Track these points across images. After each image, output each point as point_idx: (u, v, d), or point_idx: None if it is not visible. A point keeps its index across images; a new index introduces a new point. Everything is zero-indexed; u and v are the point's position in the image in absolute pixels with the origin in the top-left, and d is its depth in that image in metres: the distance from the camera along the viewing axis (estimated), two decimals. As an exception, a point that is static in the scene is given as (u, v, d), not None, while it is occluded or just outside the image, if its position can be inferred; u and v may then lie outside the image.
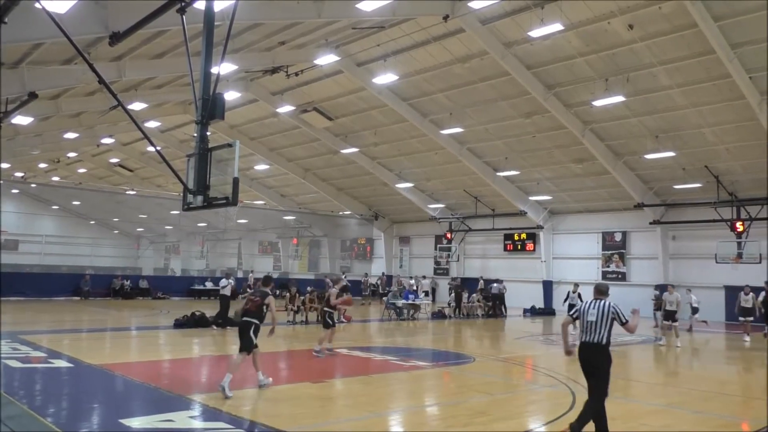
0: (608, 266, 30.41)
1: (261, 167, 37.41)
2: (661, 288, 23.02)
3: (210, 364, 12.47)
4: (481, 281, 30.76)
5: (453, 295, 27.09)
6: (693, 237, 27.72)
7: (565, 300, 21.15)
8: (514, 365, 13.49)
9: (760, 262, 23.81)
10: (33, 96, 19.11)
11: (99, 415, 7.82)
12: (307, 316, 21.19)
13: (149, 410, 8.05)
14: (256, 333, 9.26)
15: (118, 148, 38.01)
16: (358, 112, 28.15)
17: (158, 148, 10.34)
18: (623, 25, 18.64)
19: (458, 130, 26.78)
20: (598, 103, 21.69)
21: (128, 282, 31.91)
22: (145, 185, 44.28)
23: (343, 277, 23.60)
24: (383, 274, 38.99)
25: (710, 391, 10.94)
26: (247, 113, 30.71)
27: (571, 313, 7.28)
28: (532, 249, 33.31)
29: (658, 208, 28.17)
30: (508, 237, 34.22)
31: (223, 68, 12.53)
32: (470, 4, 17.59)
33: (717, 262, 25.13)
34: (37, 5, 9.65)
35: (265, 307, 9.36)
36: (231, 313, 18.48)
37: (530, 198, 31.79)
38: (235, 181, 8.17)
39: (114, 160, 41.89)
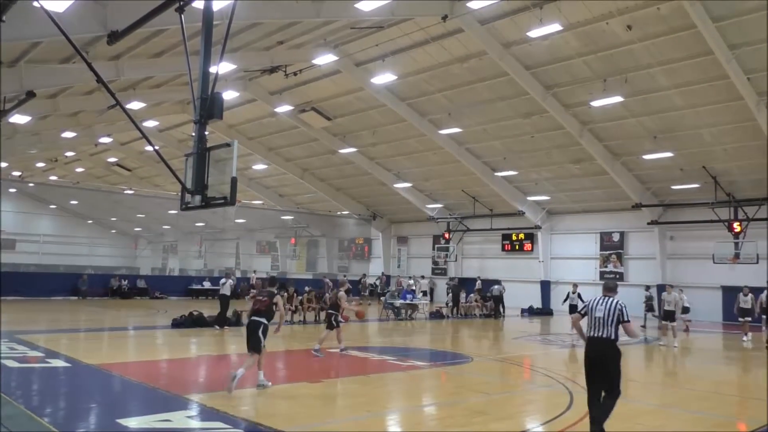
0: (606, 266, 30.45)
1: (259, 167, 37.41)
2: (659, 288, 23.11)
3: (208, 364, 12.46)
4: (479, 282, 30.79)
5: (451, 295, 27.11)
6: (690, 237, 27.78)
7: (565, 300, 21.16)
8: (511, 365, 13.50)
9: (757, 263, 23.87)
10: (31, 95, 19.06)
11: (96, 415, 7.81)
12: (305, 316, 21.19)
13: (147, 410, 8.04)
14: (264, 333, 9.36)
15: (116, 147, 37.95)
16: (357, 112, 28.14)
17: (156, 147, 10.32)
18: (622, 25, 18.66)
19: (457, 130, 26.80)
20: (596, 103, 21.73)
21: (126, 282, 31.87)
22: (143, 185, 44.24)
23: (344, 277, 23.64)
24: (383, 274, 39.01)
25: (707, 391, 10.97)
26: (246, 113, 30.69)
27: (580, 309, 7.35)
28: (530, 249, 33.34)
29: (656, 209, 28.22)
30: (506, 237, 34.25)
31: (222, 67, 12.51)
32: (469, 5, 17.60)
33: (714, 263, 25.20)
34: (35, 4, 9.64)
35: (274, 306, 9.51)
36: (229, 313, 18.52)
37: (528, 198, 31.82)
38: (233, 181, 8.16)
39: (112, 160, 41.82)
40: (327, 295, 21.45)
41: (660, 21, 18.29)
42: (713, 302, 26.46)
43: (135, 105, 24.56)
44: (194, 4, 9.78)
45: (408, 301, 24.81)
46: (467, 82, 23.65)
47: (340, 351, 13.36)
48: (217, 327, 17.84)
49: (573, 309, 20.08)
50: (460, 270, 36.33)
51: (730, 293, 24.52)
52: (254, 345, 9.24)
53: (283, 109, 28.31)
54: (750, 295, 19.29)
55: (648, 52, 19.57)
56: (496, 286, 27.23)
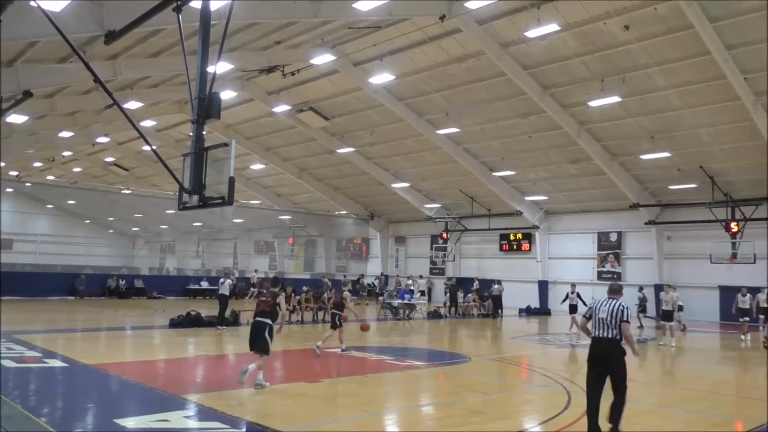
0: (604, 266, 30.49)
1: (257, 167, 37.38)
2: (657, 288, 23.11)
3: (205, 364, 12.45)
4: (476, 282, 30.80)
5: (449, 294, 27.12)
6: (688, 237, 27.83)
7: (564, 300, 21.13)
8: (509, 365, 13.51)
9: (754, 262, 23.92)
10: (28, 94, 19.01)
11: (94, 415, 7.80)
12: (302, 316, 21.18)
13: (144, 410, 8.04)
14: (271, 334, 9.47)
15: (114, 147, 37.87)
16: (354, 112, 28.13)
17: (154, 147, 10.29)
18: (619, 25, 18.68)
19: (454, 130, 26.80)
20: (593, 103, 21.75)
21: (123, 281, 31.83)
22: (140, 184, 44.16)
23: (344, 277, 23.63)
24: (382, 274, 39.02)
25: (704, 390, 10.99)
26: (243, 112, 30.65)
27: (585, 313, 7.42)
28: (527, 249, 33.37)
29: (653, 209, 28.26)
30: (504, 237, 34.27)
31: (219, 67, 12.52)
32: (467, 5, 17.59)
33: (712, 263, 25.25)
34: (32, 3, 9.61)
35: (277, 306, 9.61)
36: (227, 313, 18.50)
37: (526, 198, 31.84)
38: (231, 181, 8.15)
39: (109, 159, 41.73)
40: (325, 294, 21.47)
41: (657, 21, 18.32)
42: (710, 302, 26.51)
43: (132, 105, 24.51)
44: (192, 4, 9.77)
45: (406, 301, 24.82)
46: (465, 82, 23.66)
47: (341, 351, 13.37)
48: (220, 327, 17.80)
49: (573, 309, 20.14)
50: (458, 270, 36.35)
51: (727, 293, 24.58)
52: (262, 346, 9.33)
53: (281, 108, 28.29)
54: (748, 295, 19.38)
55: (645, 52, 19.60)
56: (496, 286, 27.27)
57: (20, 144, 32.28)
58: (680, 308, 22.64)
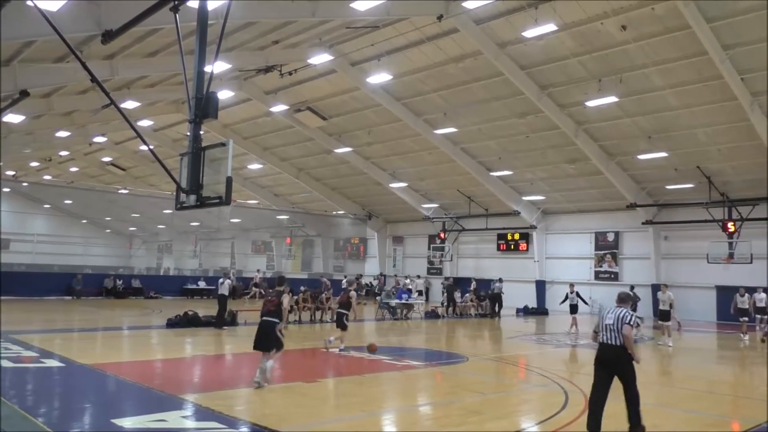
0: (601, 266, 30.54)
1: (254, 166, 37.35)
2: (654, 288, 23.15)
3: (203, 364, 12.43)
4: (474, 282, 30.78)
5: (446, 294, 27.11)
6: (685, 237, 27.89)
7: (563, 301, 21.17)
8: (507, 365, 13.51)
9: (751, 262, 23.98)
10: (25, 94, 18.99)
11: (91, 415, 7.78)
12: (300, 316, 21.16)
13: (141, 410, 8.02)
14: (280, 332, 9.61)
15: (111, 146, 37.83)
16: (352, 112, 28.13)
17: (151, 146, 10.28)
18: (616, 25, 18.72)
19: (452, 130, 26.82)
20: (591, 103, 21.79)
21: (121, 281, 31.78)
22: (137, 184, 44.11)
23: (345, 277, 23.62)
24: (381, 274, 39.01)
25: (702, 390, 11.01)
26: (241, 112, 30.64)
27: (594, 328, 7.47)
28: (525, 249, 33.40)
29: (650, 209, 28.31)
30: (502, 237, 34.30)
31: (217, 67, 12.49)
32: (464, 4, 17.60)
33: (709, 262, 25.31)
34: (29, 3, 9.58)
35: (281, 305, 9.68)
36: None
37: (523, 198, 31.87)
38: (229, 181, 8.15)
39: (106, 159, 41.68)
40: (323, 294, 21.45)
41: (654, 21, 18.35)
42: (707, 302, 26.57)
43: (129, 104, 24.50)
44: (189, 4, 9.77)
45: (403, 301, 24.82)
46: (462, 81, 23.67)
47: (339, 351, 13.43)
48: (222, 327, 17.74)
49: (574, 309, 20.23)
50: (456, 270, 36.36)
51: (724, 293, 24.65)
52: (275, 344, 9.50)
53: (279, 108, 28.27)
54: (746, 295, 19.45)
55: (643, 52, 19.63)
56: (497, 284, 27.28)
57: (17, 144, 32.23)
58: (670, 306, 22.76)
